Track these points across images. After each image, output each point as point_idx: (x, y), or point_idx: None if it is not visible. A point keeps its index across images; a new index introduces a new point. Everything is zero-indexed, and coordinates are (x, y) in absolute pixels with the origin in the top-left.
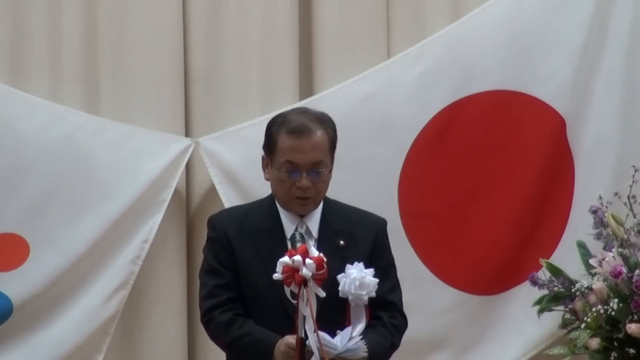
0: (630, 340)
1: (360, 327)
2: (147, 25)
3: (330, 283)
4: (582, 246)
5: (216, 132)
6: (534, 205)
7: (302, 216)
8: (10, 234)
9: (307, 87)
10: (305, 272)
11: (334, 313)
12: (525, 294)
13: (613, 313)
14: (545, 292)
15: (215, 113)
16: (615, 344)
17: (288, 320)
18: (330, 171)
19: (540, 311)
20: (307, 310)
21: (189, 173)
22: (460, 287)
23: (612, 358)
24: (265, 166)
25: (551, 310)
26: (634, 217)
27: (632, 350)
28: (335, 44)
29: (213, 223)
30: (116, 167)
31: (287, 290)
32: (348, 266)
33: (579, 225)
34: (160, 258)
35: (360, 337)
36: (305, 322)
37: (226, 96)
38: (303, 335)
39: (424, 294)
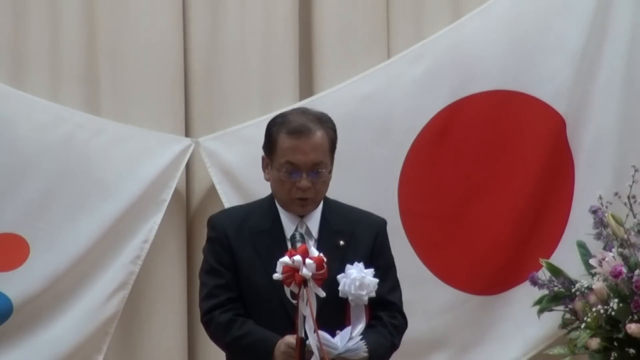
0: (630, 340)
1: (360, 327)
2: (147, 25)
3: (330, 283)
4: (582, 246)
5: (216, 132)
6: (534, 205)
7: (302, 216)
8: (10, 234)
9: (307, 87)
10: (305, 272)
11: (334, 313)
12: (525, 294)
13: (613, 313)
14: (545, 292)
15: (215, 113)
16: (615, 344)
17: (288, 320)
18: (330, 172)
19: (540, 311)
20: (307, 310)
21: (189, 173)
22: (460, 287)
23: (612, 358)
24: (265, 166)
25: (551, 310)
26: (634, 217)
27: (632, 350)
28: (335, 44)
29: (213, 223)
30: (116, 167)
31: (287, 290)
32: (348, 266)
33: (579, 225)
34: (160, 258)
35: (360, 337)
36: (305, 322)
37: (226, 96)
38: (303, 335)
39: (424, 294)
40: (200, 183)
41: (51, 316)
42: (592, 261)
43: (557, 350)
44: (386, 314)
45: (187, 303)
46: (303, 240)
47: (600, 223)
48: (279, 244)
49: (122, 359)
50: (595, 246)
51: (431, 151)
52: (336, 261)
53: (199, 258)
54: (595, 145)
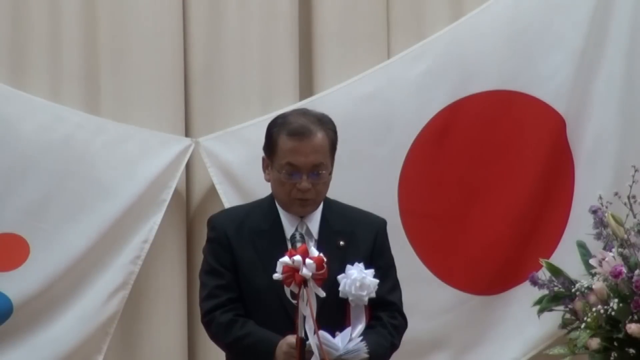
0: (630, 340)
1: (360, 327)
2: (147, 25)
3: (330, 283)
4: (582, 246)
5: (216, 132)
6: (534, 205)
7: (302, 217)
8: (10, 234)
9: (307, 87)
10: (305, 272)
11: (334, 313)
12: (525, 294)
13: (613, 313)
14: (545, 292)
15: (215, 113)
16: (615, 344)
17: (288, 320)
18: (330, 173)
19: (540, 311)
20: (307, 310)
21: (189, 173)
22: (460, 287)
23: (612, 358)
24: (265, 167)
25: (551, 310)
26: (634, 217)
27: (632, 350)
28: (335, 44)
29: (213, 223)
30: (116, 167)
31: (287, 290)
32: (348, 267)
33: (579, 225)
34: (160, 258)
35: (361, 338)
36: (305, 322)
37: (226, 96)
38: (303, 335)
39: (424, 294)
40: (200, 183)
41: (51, 316)
42: (592, 261)
43: (557, 350)
44: (386, 314)
45: (187, 303)
46: (303, 241)
47: (600, 223)
48: (279, 244)
49: (122, 359)
50: (595, 246)
51: (431, 151)
52: (336, 261)
53: (199, 258)
54: (595, 145)
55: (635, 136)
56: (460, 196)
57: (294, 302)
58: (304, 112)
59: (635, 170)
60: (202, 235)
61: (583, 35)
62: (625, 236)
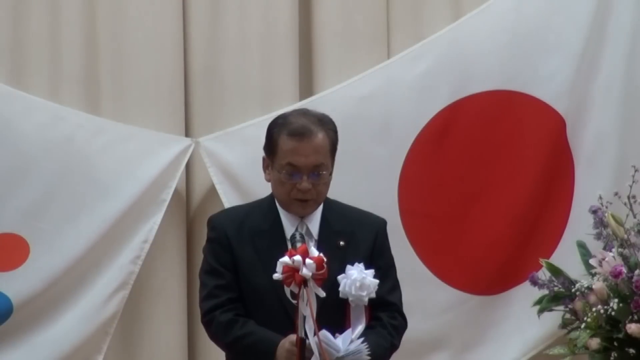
0: (630, 340)
1: (360, 328)
2: (147, 25)
3: (330, 283)
4: (582, 246)
5: (216, 132)
6: (534, 205)
7: (302, 217)
8: (10, 234)
9: (307, 87)
10: (305, 272)
11: (334, 313)
12: (525, 294)
13: (613, 313)
14: (545, 292)
15: (215, 113)
16: (615, 344)
17: (288, 320)
18: (330, 173)
19: (540, 311)
20: (307, 310)
21: (189, 173)
22: (460, 287)
23: (612, 358)
24: (265, 167)
25: (551, 310)
26: (634, 217)
27: (632, 350)
28: (335, 44)
29: (213, 223)
30: (116, 167)
31: (287, 290)
32: (348, 267)
33: (579, 225)
34: (160, 258)
35: (361, 339)
36: (305, 322)
37: (226, 96)
38: (303, 335)
39: (424, 294)
40: (200, 183)
41: (51, 316)
42: (592, 261)
43: (557, 350)
44: (386, 314)
45: (187, 303)
46: (303, 241)
47: (600, 223)
48: (279, 244)
49: (122, 359)
50: (595, 246)
51: (431, 151)
52: (336, 261)
53: (199, 258)
54: (595, 145)
55: (635, 136)
56: (460, 196)
57: (294, 302)
58: (304, 112)
59: (635, 170)
60: (202, 235)
61: (583, 35)
62: (625, 236)
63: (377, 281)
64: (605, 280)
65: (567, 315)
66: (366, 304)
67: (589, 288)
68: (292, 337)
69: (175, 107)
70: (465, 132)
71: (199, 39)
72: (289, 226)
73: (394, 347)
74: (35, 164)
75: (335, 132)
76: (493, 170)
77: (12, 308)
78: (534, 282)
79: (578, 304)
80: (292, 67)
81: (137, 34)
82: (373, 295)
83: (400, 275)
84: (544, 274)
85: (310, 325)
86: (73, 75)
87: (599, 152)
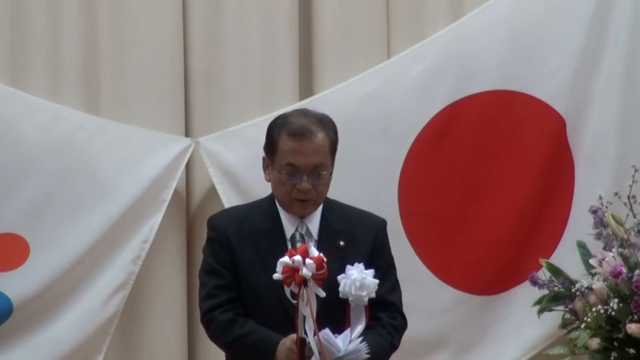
0: (630, 340)
1: (360, 328)
2: (147, 25)
3: (330, 283)
4: (582, 246)
5: (216, 132)
6: (534, 205)
7: (302, 217)
8: (10, 234)
9: (307, 87)
10: (305, 272)
11: (334, 313)
12: (525, 294)
13: (613, 313)
14: (545, 292)
15: (215, 113)
16: (615, 344)
17: (288, 320)
18: (330, 173)
19: (540, 311)
20: (307, 310)
21: (189, 173)
22: (460, 287)
23: (612, 358)
24: (265, 167)
25: (551, 310)
26: (634, 217)
27: (632, 350)
28: (335, 44)
29: (213, 223)
30: (116, 167)
31: (287, 290)
32: (348, 267)
33: (579, 225)
34: (160, 258)
35: (361, 338)
36: (305, 322)
37: (226, 96)
38: (303, 335)
39: (424, 294)
40: (200, 183)
41: (51, 316)
42: (592, 261)
43: (557, 350)
44: (386, 314)
45: (187, 303)
46: (303, 241)
47: (600, 223)
48: (279, 244)
49: (122, 359)
50: (595, 246)
51: (431, 151)
52: (336, 261)
53: (199, 258)
54: (595, 145)
55: (635, 136)
56: (460, 196)
57: (294, 302)
58: (304, 113)
59: (635, 170)
60: (202, 235)
61: (583, 35)
62: (625, 236)
63: (377, 281)
64: (605, 280)
65: (567, 315)
66: (366, 303)
67: (589, 288)
68: (293, 336)
69: (175, 107)
70: (465, 132)
71: (199, 38)
72: (289, 226)
73: (393, 347)
74: (35, 164)
75: (335, 132)
76: (493, 170)
77: (12, 308)
78: (534, 282)
79: (578, 304)
80: (292, 67)
81: (137, 34)
82: (373, 295)
83: (400, 275)
84: (544, 274)
85: (310, 325)
86: (73, 75)
87: (599, 152)
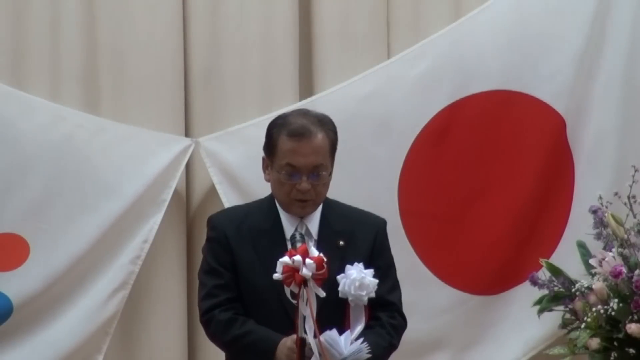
0: (630, 340)
1: (359, 328)
2: (147, 25)
3: (330, 283)
4: (582, 246)
5: (216, 132)
6: (534, 205)
7: (301, 217)
8: (10, 234)
9: (307, 87)
10: (305, 272)
11: (333, 313)
12: (525, 294)
13: (613, 313)
14: (545, 292)
15: (215, 113)
16: (615, 344)
17: (288, 320)
18: (330, 174)
19: (540, 311)
20: (307, 310)
21: (189, 173)
22: (460, 287)
23: (612, 358)
24: (265, 167)
25: (551, 310)
26: (634, 217)
27: (632, 350)
28: (335, 44)
29: (212, 223)
30: (116, 167)
31: (287, 290)
32: (348, 267)
33: (579, 225)
34: (160, 258)
35: (361, 339)
36: (305, 322)
37: (226, 96)
38: (303, 334)
39: (424, 294)
40: (200, 183)
41: (51, 316)
42: (592, 261)
43: (557, 350)
44: (385, 314)
45: (187, 303)
46: (303, 240)
47: (600, 223)
48: (278, 244)
49: (122, 359)
50: (595, 246)
51: (431, 151)
52: (336, 261)
53: (199, 258)
54: (595, 145)
55: (635, 136)
56: (460, 196)
57: (294, 302)
58: (304, 113)
59: (635, 170)
60: (202, 235)
61: (583, 35)
62: (625, 236)
63: (377, 281)
64: (605, 280)
65: (567, 315)
66: (366, 303)
67: (589, 288)
68: (295, 336)
69: (175, 107)
70: (465, 132)
71: (199, 39)
72: (288, 226)
73: (392, 346)
74: (35, 163)
75: (335, 132)
76: (493, 170)
77: (12, 308)
78: (534, 282)
79: (578, 304)
80: (292, 67)
81: (137, 34)
82: (372, 295)
83: (400, 275)
84: (544, 274)
85: (310, 325)
86: (73, 75)
87: (599, 152)
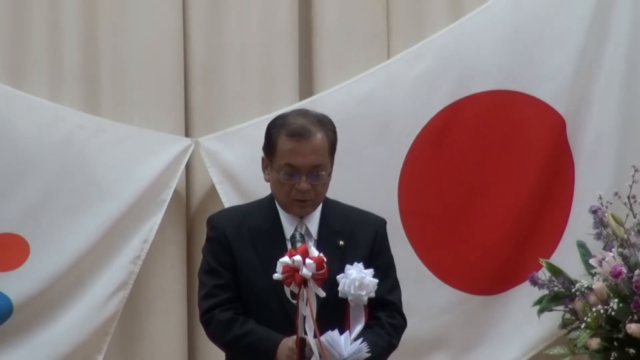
0: (630, 340)
1: (359, 327)
2: (147, 25)
3: (330, 283)
4: (582, 246)
5: (216, 132)
6: (534, 205)
7: (301, 217)
8: (10, 234)
9: (307, 87)
10: (305, 272)
11: (333, 313)
12: (525, 294)
13: (613, 313)
14: (545, 292)
15: (215, 113)
16: (615, 344)
17: (288, 320)
18: (329, 174)
19: (540, 311)
20: (307, 310)
21: (189, 173)
22: (460, 287)
23: (612, 358)
24: (265, 167)
25: (551, 310)
26: (634, 217)
27: (632, 350)
28: (335, 44)
29: (212, 223)
30: (116, 167)
31: (287, 290)
32: (348, 267)
33: (579, 225)
34: (160, 258)
35: (361, 339)
36: (305, 322)
37: (226, 96)
38: (303, 335)
39: (424, 294)
40: (200, 183)
41: (51, 316)
42: (592, 261)
43: (557, 350)
44: (385, 314)
45: (187, 303)
46: (303, 240)
47: (600, 223)
48: (278, 244)
49: (122, 359)
50: (595, 246)
51: (431, 151)
52: (336, 261)
53: (199, 258)
54: (595, 145)
55: (635, 136)
56: (460, 196)
57: (294, 302)
58: (303, 113)
59: (635, 170)
60: (202, 235)
61: (583, 35)
62: (625, 236)
63: (377, 280)
64: (605, 280)
65: (567, 315)
66: (365, 303)
67: (589, 288)
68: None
69: (175, 107)
70: (465, 132)
71: (199, 38)
72: (288, 226)
73: (392, 346)
74: (34, 163)
75: (335, 132)
76: (493, 170)
77: (12, 308)
78: (534, 282)
79: (578, 304)
80: (292, 67)
81: (137, 34)
82: (372, 294)
83: (400, 275)
84: (544, 274)
85: (310, 325)
86: (73, 75)
87: (599, 152)
